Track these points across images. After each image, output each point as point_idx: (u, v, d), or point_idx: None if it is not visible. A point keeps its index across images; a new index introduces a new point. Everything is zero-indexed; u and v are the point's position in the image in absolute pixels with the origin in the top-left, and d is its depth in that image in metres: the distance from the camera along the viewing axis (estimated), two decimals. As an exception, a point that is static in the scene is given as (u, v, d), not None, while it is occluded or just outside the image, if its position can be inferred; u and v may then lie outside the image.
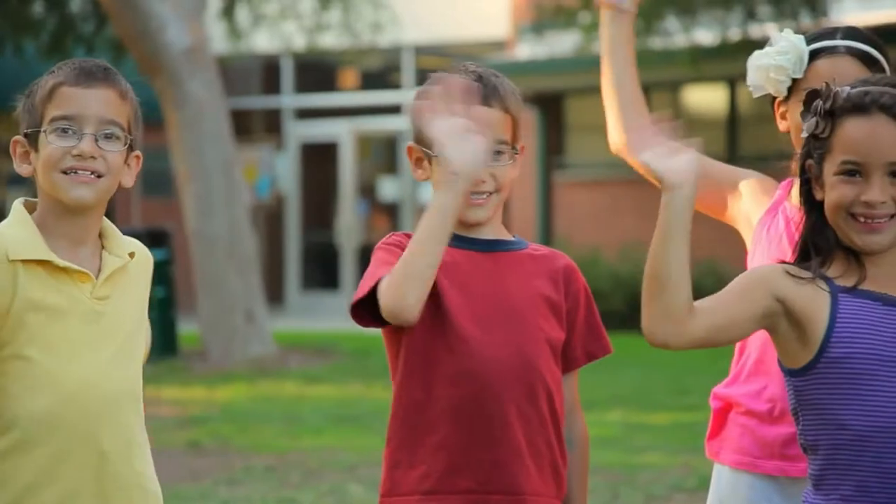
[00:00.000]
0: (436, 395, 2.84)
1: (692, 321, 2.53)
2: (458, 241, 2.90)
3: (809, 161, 2.64)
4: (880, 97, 2.58)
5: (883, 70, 3.11)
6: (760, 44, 3.18)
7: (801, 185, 2.66)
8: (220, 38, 15.93)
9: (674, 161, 2.55)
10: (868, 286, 2.59)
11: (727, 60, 13.30)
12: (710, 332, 2.56)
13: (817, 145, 2.62)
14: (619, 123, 3.28)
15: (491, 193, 2.89)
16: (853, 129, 2.58)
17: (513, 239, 2.97)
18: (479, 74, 2.93)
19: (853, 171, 2.58)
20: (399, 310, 2.76)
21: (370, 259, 2.92)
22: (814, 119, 2.62)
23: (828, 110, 2.60)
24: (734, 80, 15.98)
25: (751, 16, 13.61)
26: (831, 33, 3.14)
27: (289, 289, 19.26)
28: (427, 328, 2.84)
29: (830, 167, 2.60)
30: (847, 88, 2.61)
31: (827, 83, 2.65)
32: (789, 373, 2.62)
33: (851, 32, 3.13)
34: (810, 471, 2.62)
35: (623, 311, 14.22)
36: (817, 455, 2.60)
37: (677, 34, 13.92)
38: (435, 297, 2.84)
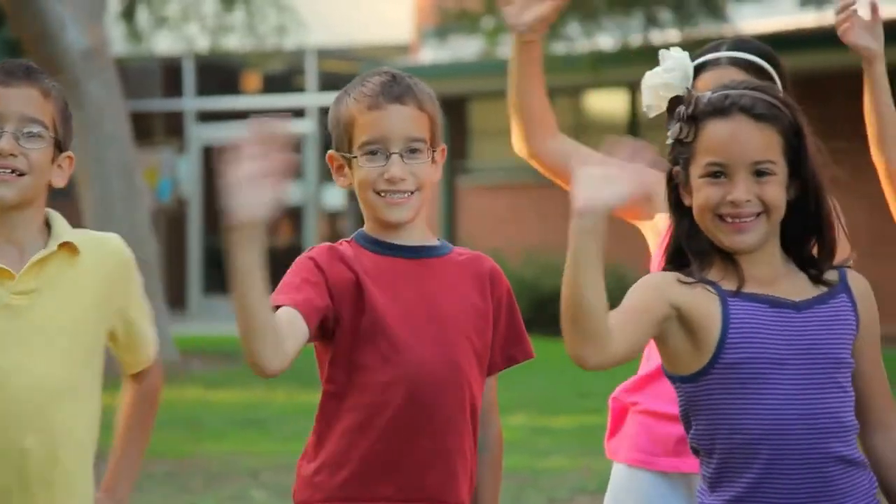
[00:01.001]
0: (365, 401, 2.82)
1: (613, 341, 2.52)
2: (382, 247, 2.88)
3: (676, 167, 2.67)
4: (740, 99, 2.61)
5: (771, 78, 3.16)
6: (661, 49, 3.22)
7: (669, 193, 2.69)
8: (120, 40, 15.76)
9: (598, 187, 2.46)
10: (751, 288, 2.62)
11: (628, 66, 13.41)
12: (630, 347, 2.56)
13: (682, 150, 2.65)
14: (525, 136, 3.31)
15: (412, 192, 2.86)
16: (715, 131, 2.61)
17: (437, 244, 2.95)
18: (393, 74, 2.92)
19: (718, 173, 2.61)
20: (256, 368, 2.66)
21: (273, 262, 2.89)
22: (677, 125, 2.65)
23: (690, 115, 2.63)
24: (635, 86, 16.04)
25: (652, 22, 13.73)
26: (716, 46, 3.23)
27: (191, 293, 19.09)
28: (358, 336, 2.81)
29: (696, 170, 2.63)
30: (708, 93, 2.64)
31: (688, 89, 2.69)
32: (679, 379, 2.64)
33: (737, 44, 3.22)
34: (704, 473, 2.65)
35: (526, 316, 14.24)
36: (712, 458, 2.62)
37: (579, 39, 14.01)
38: (365, 305, 2.82)
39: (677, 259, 2.67)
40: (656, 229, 3.23)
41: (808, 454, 2.57)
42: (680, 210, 2.67)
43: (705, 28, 13.26)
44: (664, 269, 2.68)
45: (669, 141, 2.67)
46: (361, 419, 2.82)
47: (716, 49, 3.21)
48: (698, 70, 3.18)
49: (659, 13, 13.72)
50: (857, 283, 2.69)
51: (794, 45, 13.47)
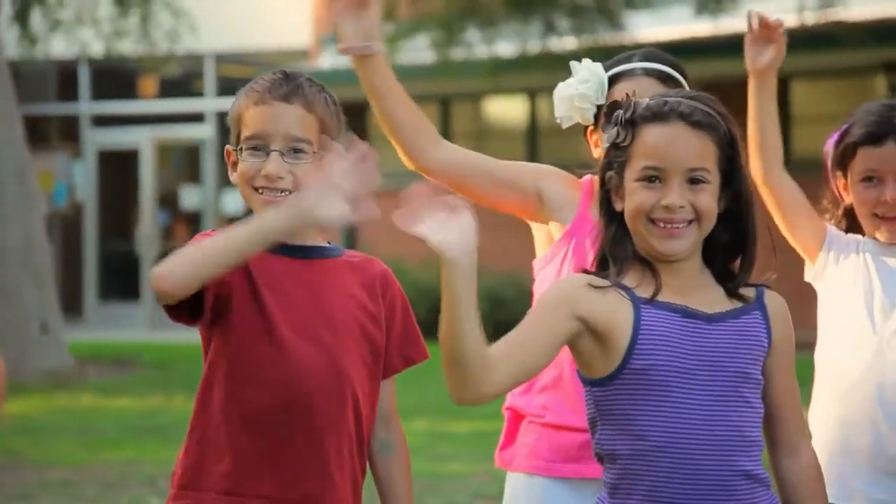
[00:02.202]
0: (246, 398, 2.81)
1: (493, 376, 2.51)
2: (272, 246, 2.86)
3: (610, 172, 2.68)
4: (679, 106, 2.63)
5: (681, 87, 3.21)
6: (559, 56, 3.26)
7: (601, 197, 2.71)
8: (13, 43, 15.52)
9: (450, 232, 2.46)
10: (665, 297, 2.63)
11: (527, 72, 13.49)
12: (515, 376, 2.56)
13: (618, 154, 2.67)
14: (408, 151, 3.31)
15: (289, 192, 2.84)
16: (653, 136, 2.63)
17: (328, 245, 2.94)
18: (287, 74, 2.92)
19: (653, 177, 2.63)
20: (160, 277, 2.68)
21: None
22: (615, 129, 2.67)
23: (628, 119, 2.65)
24: (534, 92, 16.21)
25: (550, 29, 13.82)
26: (629, 57, 3.25)
27: (87, 299, 18.85)
28: (244, 333, 2.81)
29: (631, 174, 2.65)
30: (647, 100, 2.67)
31: (627, 94, 2.71)
32: (590, 383, 2.65)
33: (648, 54, 3.25)
34: (606, 478, 2.66)
35: (426, 321, 14.27)
36: (614, 464, 2.63)
37: (478, 46, 14.06)
38: (253, 303, 2.81)
39: (604, 264, 2.68)
40: (549, 236, 3.25)
41: (710, 465, 2.58)
42: (609, 215, 2.69)
43: (602, 36, 13.38)
44: (584, 272, 2.69)
45: (605, 145, 2.68)
46: (241, 415, 2.81)
47: (628, 60, 3.24)
48: (612, 81, 3.21)
49: (557, 20, 13.81)
50: (774, 301, 2.70)
51: (688, 54, 13.63)
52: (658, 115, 2.63)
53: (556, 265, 3.18)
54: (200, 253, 2.69)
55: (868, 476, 3.27)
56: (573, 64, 3.23)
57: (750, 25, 3.33)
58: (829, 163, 3.40)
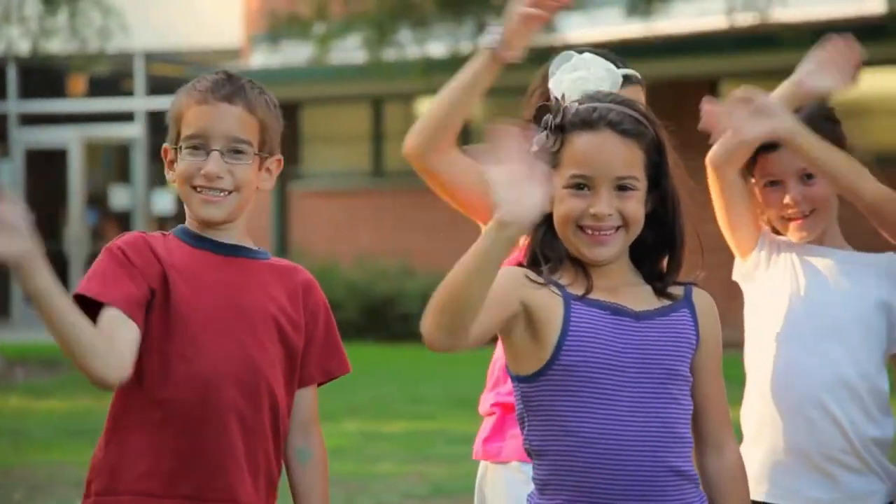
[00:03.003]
0: (161, 397, 2.80)
1: (470, 332, 2.53)
2: (197, 241, 2.87)
3: None
4: (608, 113, 2.64)
5: (637, 82, 3.22)
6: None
7: None
8: (-60, 40, 15.33)
9: (520, 195, 2.43)
10: (596, 295, 2.65)
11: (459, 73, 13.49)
12: (480, 335, 2.58)
13: (547, 159, 2.68)
14: (431, 146, 3.26)
15: (228, 192, 2.86)
16: (582, 144, 2.64)
17: (255, 248, 2.95)
18: (229, 75, 2.92)
19: (581, 185, 2.64)
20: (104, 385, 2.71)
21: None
22: (544, 133, 2.67)
23: (558, 125, 2.66)
24: (466, 93, 16.19)
25: (482, 29, 13.84)
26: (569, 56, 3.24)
27: (14, 300, 18.64)
28: (157, 330, 2.80)
29: (560, 180, 2.66)
30: (576, 104, 2.67)
31: (556, 98, 2.71)
32: (518, 378, 2.66)
33: (596, 53, 3.26)
34: (536, 475, 2.67)
35: (358, 321, 14.27)
36: (543, 460, 2.65)
37: (410, 46, 14.06)
38: (167, 299, 2.80)
39: (535, 263, 2.69)
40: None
41: (638, 462, 2.60)
42: (540, 216, 2.70)
43: (534, 37, 13.41)
44: (520, 265, 2.69)
45: (534, 149, 2.68)
46: (156, 414, 2.80)
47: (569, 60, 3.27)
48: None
49: (489, 21, 13.83)
50: (702, 299, 2.73)
51: (620, 55, 13.71)
52: (587, 122, 2.64)
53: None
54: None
55: (801, 474, 3.30)
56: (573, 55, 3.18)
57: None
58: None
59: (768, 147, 3.35)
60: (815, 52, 3.28)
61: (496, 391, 3.29)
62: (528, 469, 3.14)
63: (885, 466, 3.32)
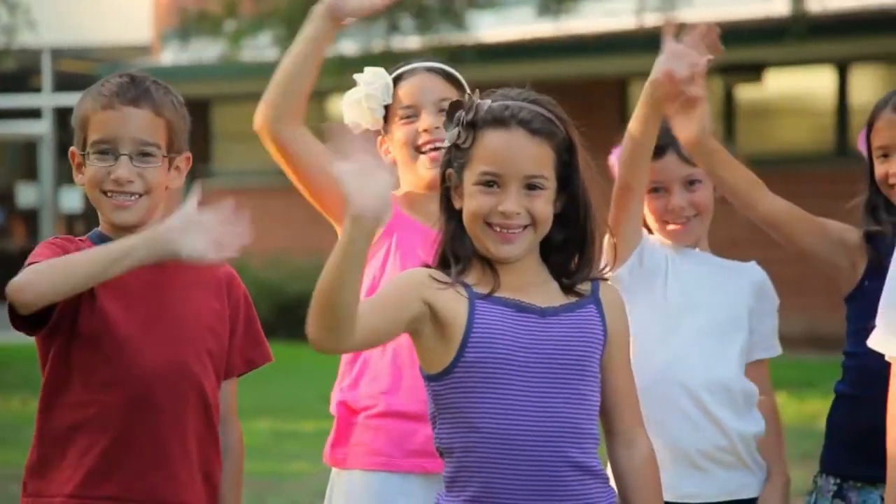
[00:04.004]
0: (88, 400, 2.80)
1: (354, 331, 2.54)
2: None
3: (449, 170, 2.71)
4: (519, 112, 2.67)
5: (461, 85, 3.27)
6: (403, 55, 3.30)
7: (441, 194, 2.73)
8: None
9: (366, 186, 2.46)
10: (502, 293, 2.68)
11: (372, 71, 13.47)
12: (369, 337, 2.60)
13: (458, 155, 2.69)
14: (278, 115, 3.24)
15: (139, 195, 2.87)
16: (493, 141, 2.66)
17: None
18: (133, 77, 2.92)
19: (491, 182, 2.66)
20: (19, 290, 2.69)
21: (5, 266, 2.83)
22: (456, 129, 2.69)
23: (470, 121, 2.68)
24: (378, 91, 16.19)
25: (394, 28, 13.85)
26: (408, 62, 3.37)
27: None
28: (82, 334, 2.79)
29: (470, 177, 2.68)
30: (488, 101, 2.69)
31: (469, 94, 2.73)
32: (429, 378, 2.69)
33: (427, 57, 3.34)
34: (445, 473, 2.69)
35: (270, 320, 14.19)
36: (451, 458, 2.67)
37: (323, 44, 14.01)
38: (93, 305, 2.79)
39: (445, 262, 2.71)
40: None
41: (541, 457, 2.62)
42: (449, 211, 2.71)
43: (446, 36, 13.45)
44: (426, 266, 2.72)
45: (446, 144, 2.71)
46: (83, 418, 2.80)
47: (407, 63, 3.36)
48: (397, 81, 3.31)
49: (401, 20, 13.84)
50: (609, 294, 2.76)
51: (531, 54, 13.80)
52: (499, 119, 2.66)
53: (378, 262, 3.21)
54: (61, 269, 2.70)
55: (680, 471, 3.37)
56: (357, 77, 3.33)
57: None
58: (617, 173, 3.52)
59: (653, 154, 3.42)
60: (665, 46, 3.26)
61: (339, 386, 3.27)
62: (370, 479, 3.16)
63: (756, 459, 3.43)
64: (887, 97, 3.39)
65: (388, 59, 13.66)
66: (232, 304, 2.94)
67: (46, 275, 2.70)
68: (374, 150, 2.51)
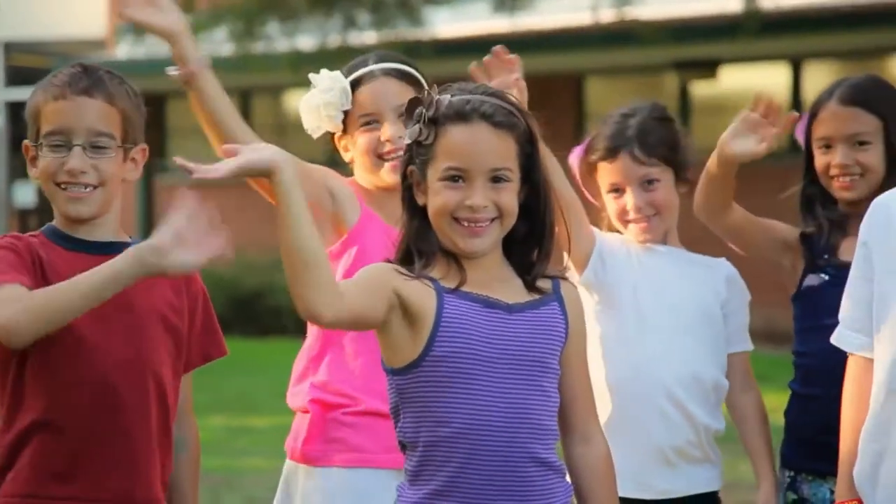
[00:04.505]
0: (46, 402, 2.77)
1: (346, 296, 2.56)
2: (70, 242, 2.84)
3: (412, 167, 2.71)
4: (481, 105, 2.67)
5: (419, 82, 3.27)
6: (360, 50, 3.30)
7: (403, 191, 2.73)
8: None
9: (263, 151, 2.58)
10: (469, 288, 2.68)
11: (328, 66, 13.45)
12: (362, 308, 2.60)
13: (421, 151, 2.70)
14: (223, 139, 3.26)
15: (94, 187, 2.83)
16: (456, 136, 2.67)
17: (130, 241, 2.92)
18: (85, 67, 2.89)
19: (456, 177, 2.67)
20: (7, 331, 2.67)
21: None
22: (417, 126, 2.69)
23: (431, 118, 2.68)
24: (334, 86, 16.16)
25: (351, 23, 13.83)
26: (364, 61, 3.33)
27: None
28: (44, 339, 2.74)
29: (434, 173, 2.68)
30: (448, 96, 2.70)
31: (427, 91, 2.74)
32: (392, 371, 2.68)
33: (382, 55, 3.35)
34: (407, 466, 2.69)
35: (225, 315, 14.13)
36: (415, 451, 2.67)
37: (279, 39, 13.99)
38: None
39: (408, 258, 2.71)
40: (339, 231, 3.27)
41: (506, 452, 2.63)
42: (412, 209, 2.71)
43: (402, 31, 13.44)
44: (388, 261, 2.71)
45: (407, 141, 2.71)
46: (44, 419, 2.77)
47: (364, 64, 3.32)
48: (354, 85, 3.29)
49: (358, 15, 13.83)
50: (570, 292, 2.77)
51: (487, 50, 13.80)
52: (461, 114, 2.67)
53: (349, 260, 3.21)
54: (46, 304, 2.68)
55: (654, 468, 3.39)
56: (312, 76, 3.30)
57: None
58: (578, 176, 3.54)
59: (607, 157, 3.44)
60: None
61: (310, 382, 3.24)
62: (349, 476, 3.15)
63: (717, 452, 3.49)
64: (832, 88, 3.41)
65: (345, 55, 13.64)
66: (191, 298, 2.93)
67: (32, 312, 2.67)
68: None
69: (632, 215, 3.45)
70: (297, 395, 3.28)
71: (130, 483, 2.80)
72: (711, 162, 3.32)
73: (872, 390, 2.83)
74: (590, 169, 3.51)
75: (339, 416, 3.21)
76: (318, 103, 3.27)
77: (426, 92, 2.73)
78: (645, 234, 3.47)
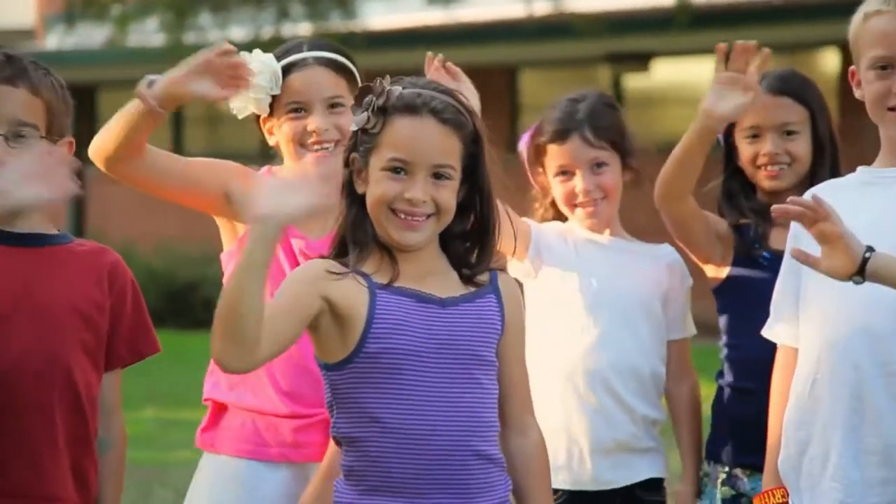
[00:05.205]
0: None
1: (259, 348, 2.52)
2: None
3: (354, 154, 2.71)
4: (431, 100, 2.67)
5: (353, 76, 3.26)
6: (244, 52, 3.24)
7: (344, 179, 2.73)
8: None
9: (277, 198, 2.50)
10: (402, 283, 2.67)
11: (260, 57, 13.39)
12: (275, 348, 2.58)
13: (365, 139, 2.68)
14: (100, 156, 3.11)
15: None
16: (403, 128, 2.66)
17: (55, 233, 2.88)
18: (9, 56, 2.84)
19: (399, 169, 2.66)
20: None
21: None
22: (365, 114, 2.68)
23: (380, 107, 2.67)
24: (267, 78, 16.11)
25: (284, 15, 13.78)
26: (298, 46, 3.29)
27: None
28: None
29: (377, 162, 2.67)
30: (400, 88, 2.69)
31: (380, 79, 2.73)
32: (325, 367, 2.67)
33: (317, 44, 3.31)
34: (343, 462, 2.68)
35: (158, 308, 14.06)
36: (351, 447, 2.66)
37: (211, 30, 13.92)
38: None
39: (343, 248, 2.70)
40: (235, 231, 3.26)
41: (443, 447, 2.63)
42: (351, 196, 2.71)
43: (336, 23, 13.41)
44: (322, 258, 2.71)
45: (354, 128, 2.70)
46: None
47: (298, 49, 3.28)
48: (286, 70, 3.25)
49: (290, 7, 13.78)
50: (507, 284, 2.77)
51: (421, 42, 13.80)
52: (411, 107, 2.66)
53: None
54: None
55: (597, 461, 3.41)
56: (245, 55, 3.23)
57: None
58: (526, 160, 3.55)
59: (557, 139, 3.45)
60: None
61: (212, 380, 3.25)
62: (237, 464, 3.15)
63: (659, 440, 3.51)
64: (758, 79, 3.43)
65: (277, 47, 13.60)
66: (116, 293, 2.88)
67: None
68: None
69: (580, 198, 3.46)
70: (206, 386, 3.29)
71: (29, 475, 2.76)
72: (690, 138, 3.25)
73: (797, 380, 2.86)
74: (538, 152, 3.51)
75: (233, 407, 3.21)
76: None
77: (378, 81, 2.72)
78: (591, 218, 3.48)
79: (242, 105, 3.25)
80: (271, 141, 3.28)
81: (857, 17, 2.86)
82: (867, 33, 2.83)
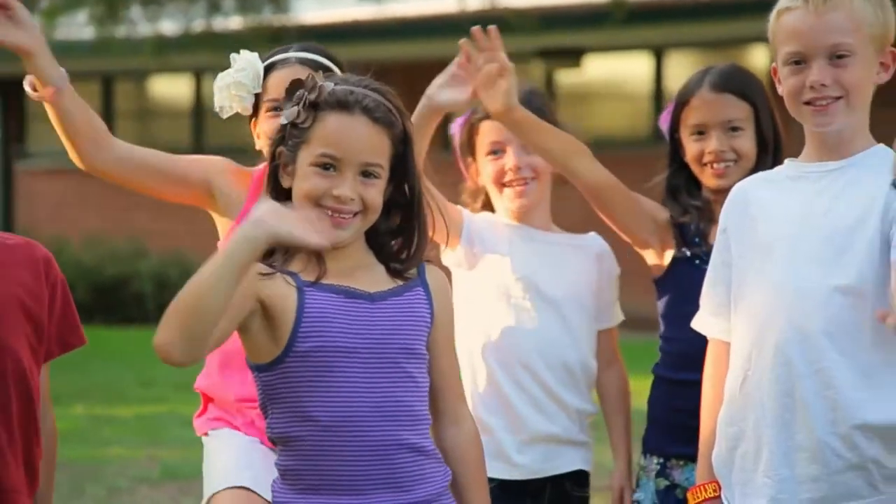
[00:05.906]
0: None
1: (205, 345, 2.51)
2: None
3: (281, 148, 2.69)
4: (364, 98, 2.67)
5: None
6: (224, 36, 3.27)
7: (269, 172, 2.71)
8: None
9: (275, 214, 2.52)
10: (330, 279, 2.67)
11: (193, 52, 13.33)
12: (215, 345, 2.57)
13: (295, 134, 2.68)
14: (78, 151, 3.24)
15: None
16: (334, 124, 2.66)
17: None
18: None
19: (328, 165, 2.66)
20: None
21: None
22: (296, 108, 2.67)
23: (312, 102, 2.66)
24: (200, 72, 16.02)
25: (215, 8, 13.70)
26: (285, 49, 3.34)
27: None
28: None
29: (306, 157, 2.67)
30: (332, 84, 2.68)
31: (312, 74, 2.72)
32: (257, 368, 2.67)
33: (305, 46, 3.34)
34: (279, 462, 2.68)
35: (87, 303, 13.94)
36: (286, 447, 2.66)
37: (142, 23, 13.81)
38: None
39: (269, 254, 2.67)
40: (229, 225, 3.28)
41: (376, 442, 2.63)
42: (276, 191, 2.69)
43: (267, 17, 13.35)
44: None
45: (284, 121, 2.68)
46: None
47: (284, 51, 3.32)
48: (269, 70, 3.28)
49: (222, 0, 13.70)
50: (435, 277, 2.78)
51: (353, 37, 13.78)
52: (343, 103, 2.66)
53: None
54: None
55: (528, 451, 3.43)
56: (232, 55, 3.29)
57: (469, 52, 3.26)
58: (458, 150, 3.56)
59: (486, 116, 3.45)
60: (451, 65, 3.28)
61: (206, 374, 3.34)
62: (219, 433, 3.21)
63: (588, 434, 3.55)
64: (700, 76, 3.45)
65: (209, 41, 13.52)
66: (50, 286, 2.89)
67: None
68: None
69: (509, 176, 3.47)
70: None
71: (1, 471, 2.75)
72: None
73: (729, 375, 2.88)
74: (471, 131, 3.52)
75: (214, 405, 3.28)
76: (228, 82, 3.26)
77: (310, 76, 2.71)
78: (520, 198, 3.49)
79: (226, 104, 3.28)
80: (258, 145, 3.31)
81: (772, 15, 2.90)
82: (781, 30, 2.86)
